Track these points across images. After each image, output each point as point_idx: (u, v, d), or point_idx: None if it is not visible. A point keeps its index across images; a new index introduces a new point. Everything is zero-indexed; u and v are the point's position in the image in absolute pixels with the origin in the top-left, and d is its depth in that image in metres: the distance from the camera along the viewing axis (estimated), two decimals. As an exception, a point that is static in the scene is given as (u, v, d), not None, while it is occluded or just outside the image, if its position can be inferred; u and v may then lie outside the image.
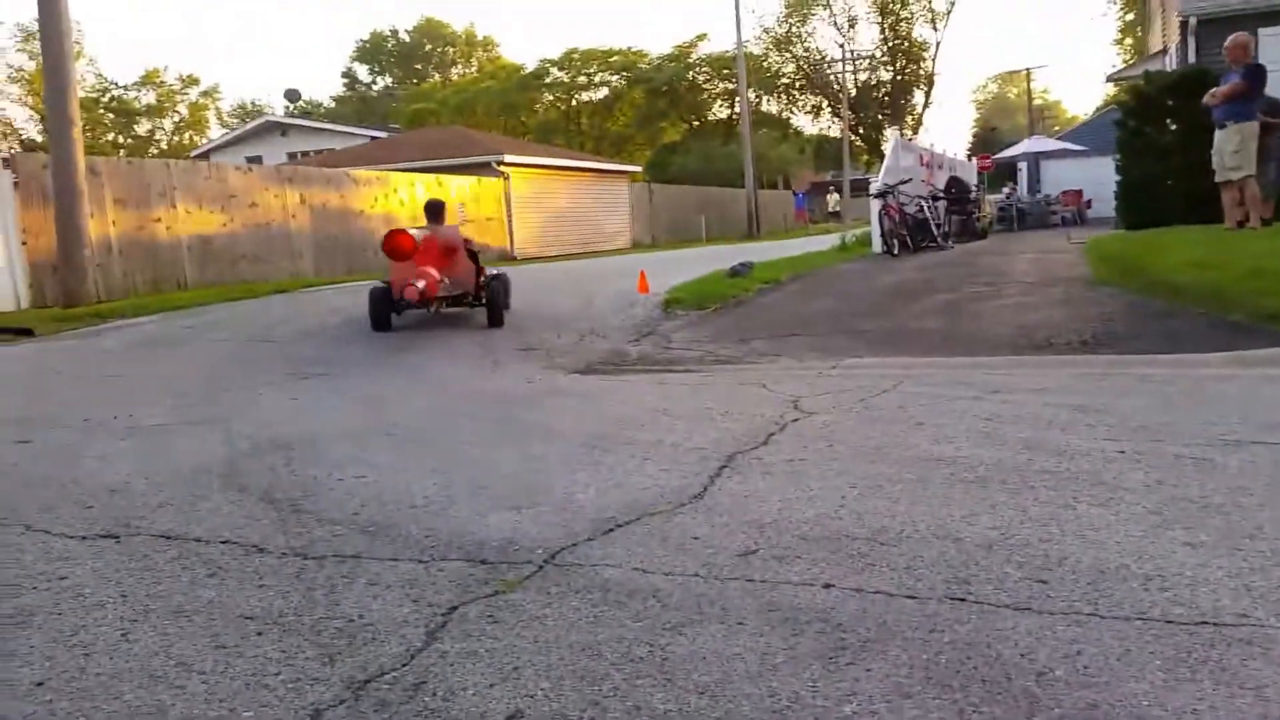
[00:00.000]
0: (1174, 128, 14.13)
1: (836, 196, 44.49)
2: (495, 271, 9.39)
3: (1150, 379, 4.83)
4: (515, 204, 25.00)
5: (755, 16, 59.89)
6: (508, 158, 25.15)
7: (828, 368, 5.88)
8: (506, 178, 24.68)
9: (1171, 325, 6.28)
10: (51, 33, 12.50)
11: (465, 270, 8.81)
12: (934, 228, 16.52)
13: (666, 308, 9.65)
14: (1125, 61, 64.66)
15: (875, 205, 15.63)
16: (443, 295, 8.59)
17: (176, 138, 66.08)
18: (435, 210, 9.20)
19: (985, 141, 59.65)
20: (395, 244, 8.02)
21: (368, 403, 5.30)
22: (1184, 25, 15.68)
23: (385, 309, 8.39)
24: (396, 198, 20.74)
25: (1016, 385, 4.75)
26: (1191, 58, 15.40)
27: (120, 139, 60.92)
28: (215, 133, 69.54)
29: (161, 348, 8.72)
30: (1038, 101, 69.25)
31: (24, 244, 13.38)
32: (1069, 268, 10.61)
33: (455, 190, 22.79)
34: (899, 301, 8.71)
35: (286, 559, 2.74)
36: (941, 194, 19.43)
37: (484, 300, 8.80)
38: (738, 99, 54.66)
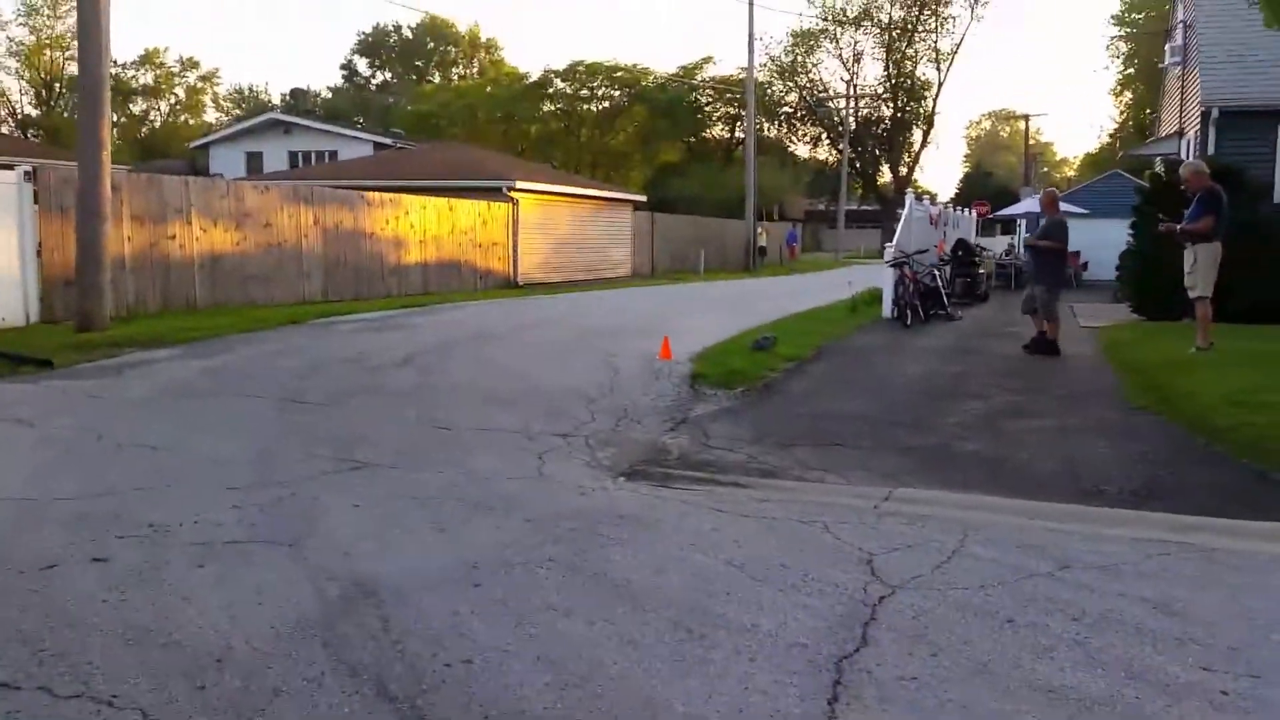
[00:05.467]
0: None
1: (764, 233, 43.92)
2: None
3: (1215, 558, 4.91)
4: (522, 230, 24.94)
5: (762, 45, 60.13)
6: (518, 184, 25.08)
7: (881, 498, 5.96)
8: (515, 204, 24.61)
9: (1217, 477, 6.40)
10: (89, 53, 12.41)
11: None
12: (944, 297, 16.70)
13: (694, 384, 9.84)
14: (1121, 112, 65.37)
15: (890, 274, 15.80)
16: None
17: (172, 119, 65.58)
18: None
19: (976, 181, 60.12)
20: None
21: (433, 523, 5.29)
22: (1205, 115, 15.96)
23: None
24: (407, 220, 20.67)
25: (1085, 560, 4.81)
26: (1211, 148, 15.68)
27: (115, 117, 60.29)
28: (210, 116, 69.03)
29: (191, 400, 8.73)
30: (1030, 142, 69.97)
31: (39, 256, 13.25)
32: (1094, 374, 10.79)
33: (465, 213, 22.75)
34: (934, 406, 8.84)
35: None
36: (948, 258, 19.64)
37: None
38: (739, 124, 54.91)
